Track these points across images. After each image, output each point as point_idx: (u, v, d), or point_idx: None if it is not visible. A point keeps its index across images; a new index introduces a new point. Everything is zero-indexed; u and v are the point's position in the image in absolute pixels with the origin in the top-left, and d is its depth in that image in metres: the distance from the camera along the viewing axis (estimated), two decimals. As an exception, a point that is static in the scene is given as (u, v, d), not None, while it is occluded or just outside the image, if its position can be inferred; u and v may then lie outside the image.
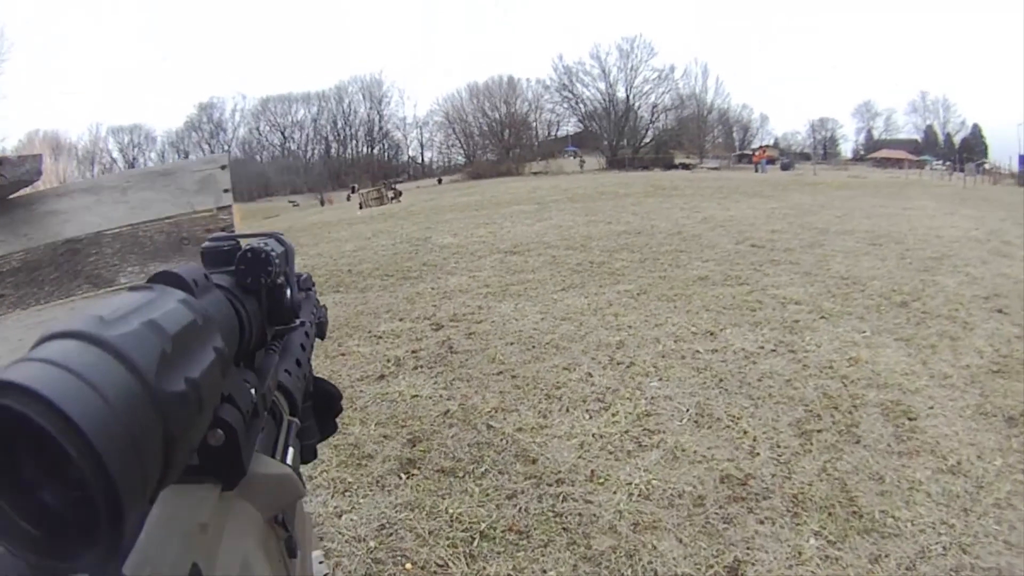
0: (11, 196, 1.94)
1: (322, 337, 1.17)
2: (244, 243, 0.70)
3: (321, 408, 1.04)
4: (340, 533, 3.63)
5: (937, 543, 3.33)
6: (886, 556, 3.24)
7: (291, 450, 0.72)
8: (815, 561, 3.22)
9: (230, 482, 0.55)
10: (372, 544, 3.52)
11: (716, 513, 3.66)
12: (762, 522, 3.56)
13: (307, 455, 0.92)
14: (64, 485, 0.33)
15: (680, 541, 3.43)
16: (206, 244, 0.70)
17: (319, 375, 1.06)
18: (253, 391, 0.62)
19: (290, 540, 0.65)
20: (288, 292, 0.75)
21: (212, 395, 0.45)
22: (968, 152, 77.14)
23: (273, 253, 0.69)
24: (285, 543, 0.64)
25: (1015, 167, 57.30)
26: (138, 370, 0.36)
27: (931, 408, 4.82)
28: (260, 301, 0.70)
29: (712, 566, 3.23)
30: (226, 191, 2.16)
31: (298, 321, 0.85)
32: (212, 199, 2.13)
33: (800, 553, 3.28)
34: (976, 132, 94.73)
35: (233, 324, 0.60)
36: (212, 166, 2.17)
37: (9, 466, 0.33)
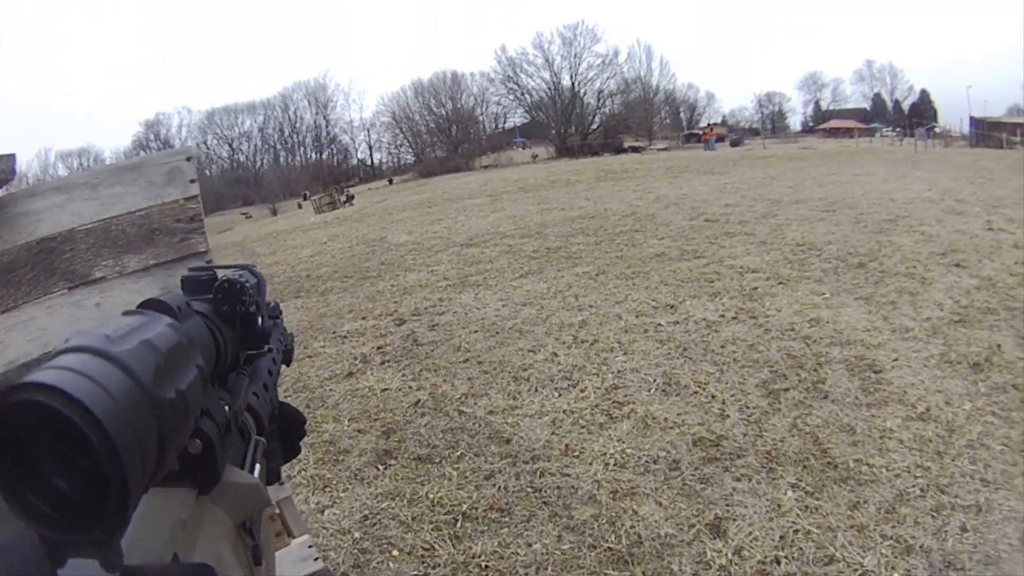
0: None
1: (288, 364, 1.20)
2: (220, 274, 0.77)
3: (285, 431, 1.08)
4: (324, 528, 3.63)
5: (914, 486, 3.40)
6: (865, 502, 3.30)
7: (257, 466, 0.76)
8: (795, 512, 3.27)
9: (206, 487, 0.60)
10: (357, 535, 3.53)
11: (692, 475, 3.70)
12: (739, 479, 3.61)
13: (271, 477, 0.94)
14: (78, 471, 0.39)
15: (660, 504, 3.46)
16: (186, 274, 0.76)
17: (284, 400, 1.09)
18: (227, 408, 0.67)
19: (256, 548, 0.70)
20: (259, 320, 0.81)
21: (195, 405, 0.51)
22: (918, 117, 77.48)
23: (247, 284, 0.75)
24: (252, 551, 0.69)
25: (966, 129, 58.05)
26: (139, 379, 0.43)
27: (895, 360, 4.90)
28: (234, 327, 0.76)
29: (694, 525, 3.27)
30: (192, 181, 2.21)
31: (267, 347, 0.91)
32: (179, 190, 2.18)
33: (779, 506, 3.33)
34: (925, 97, 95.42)
35: (211, 346, 0.66)
36: (178, 158, 2.22)
37: (31, 456, 0.40)
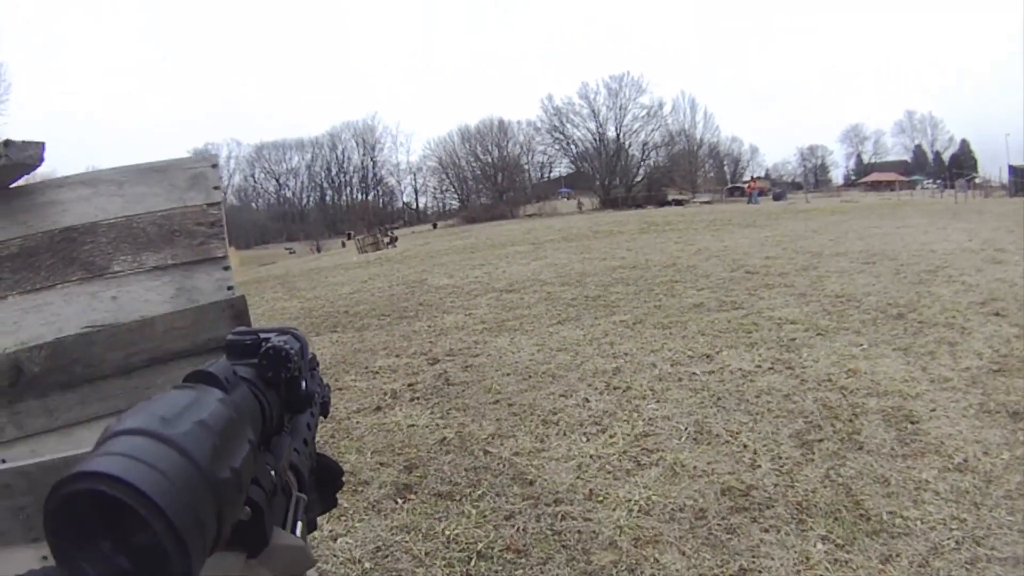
0: (12, 184, 2.05)
1: (325, 415, 1.18)
2: (264, 337, 0.77)
3: (322, 482, 1.08)
4: (335, 555, 3.60)
5: (949, 538, 3.27)
6: (897, 555, 3.18)
7: (299, 524, 0.77)
8: (824, 565, 3.15)
9: (255, 551, 0.62)
10: (367, 566, 3.49)
11: (719, 524, 3.59)
12: (767, 530, 3.50)
13: (308, 527, 0.92)
14: (141, 551, 0.42)
15: (683, 553, 3.36)
16: (230, 337, 0.77)
17: (321, 451, 1.09)
18: (272, 472, 0.69)
19: None
20: (303, 384, 0.80)
21: (248, 479, 0.54)
22: (958, 168, 76.54)
23: (292, 350, 0.76)
24: None
25: (1005, 178, 57.45)
26: (196, 463, 0.45)
27: (933, 411, 4.77)
28: (279, 392, 0.76)
29: (717, 576, 3.16)
30: (215, 188, 2.28)
31: None
32: (202, 195, 2.25)
33: (808, 558, 3.21)
34: (965, 147, 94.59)
35: (257, 414, 0.67)
36: (203, 164, 2.29)
37: (94, 539, 0.42)
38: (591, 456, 4.56)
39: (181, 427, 0.46)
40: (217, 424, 0.50)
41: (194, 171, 2.25)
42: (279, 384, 0.75)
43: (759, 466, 4.21)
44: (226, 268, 2.28)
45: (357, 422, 5.63)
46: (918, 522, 3.44)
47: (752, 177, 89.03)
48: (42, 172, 2.09)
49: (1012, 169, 55.63)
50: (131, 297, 2.11)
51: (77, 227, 2.09)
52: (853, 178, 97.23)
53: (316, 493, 1.03)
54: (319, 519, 3.36)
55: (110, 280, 2.11)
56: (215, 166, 2.32)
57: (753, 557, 3.28)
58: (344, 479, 1.13)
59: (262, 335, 0.78)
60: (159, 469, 0.42)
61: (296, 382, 0.78)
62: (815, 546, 3.31)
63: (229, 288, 2.26)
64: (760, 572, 3.16)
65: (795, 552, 3.28)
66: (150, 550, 0.41)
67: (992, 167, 71.75)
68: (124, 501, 0.40)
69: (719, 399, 5.43)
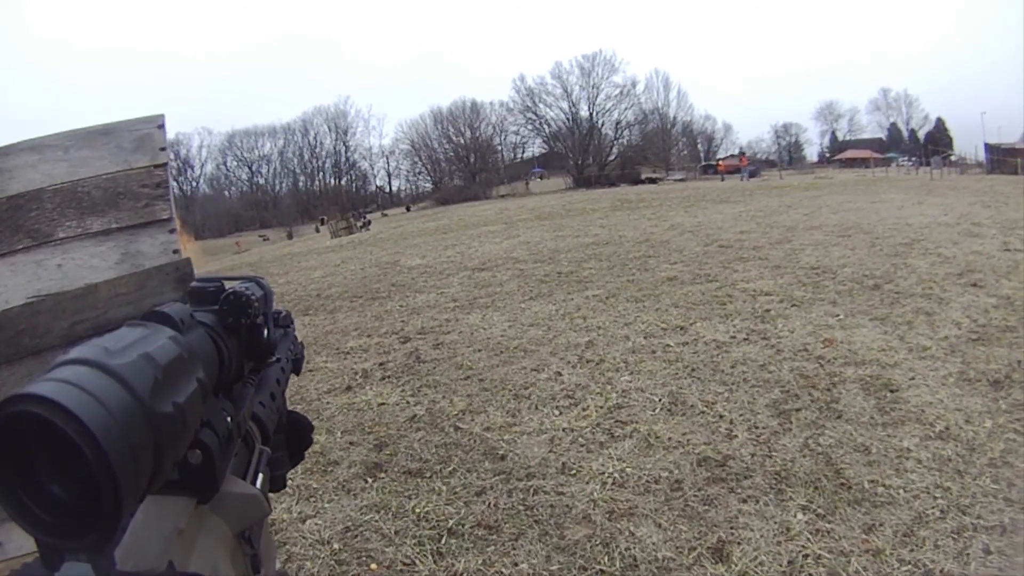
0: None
1: (298, 373, 1.19)
2: (227, 285, 0.76)
3: (292, 439, 1.07)
4: (304, 537, 3.52)
5: (934, 507, 3.22)
6: (880, 525, 3.11)
7: (260, 476, 0.76)
8: (805, 536, 3.08)
9: (205, 497, 0.61)
10: (336, 546, 3.42)
11: (695, 496, 3.52)
12: (745, 501, 3.42)
13: (276, 484, 0.95)
14: (74, 480, 0.42)
15: (659, 526, 3.28)
16: (193, 284, 0.77)
17: (292, 408, 1.08)
18: (229, 419, 0.67)
19: (255, 557, 0.69)
20: (265, 332, 0.80)
21: (194, 418, 0.52)
22: (934, 145, 76.35)
23: (253, 296, 0.76)
24: (251, 560, 0.68)
25: (982, 156, 57.79)
26: (136, 393, 0.44)
27: (912, 379, 4.73)
28: (239, 339, 0.76)
29: (695, 548, 3.08)
30: (162, 149, 2.26)
31: (274, 358, 0.93)
32: (148, 157, 2.24)
33: (788, 529, 3.14)
34: (940, 125, 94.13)
35: (213, 358, 0.66)
36: (149, 125, 2.28)
37: (28, 463, 0.42)
38: (564, 429, 4.49)
39: (124, 359, 0.45)
40: (163, 359, 0.48)
41: (140, 132, 2.24)
42: (240, 331, 0.75)
43: (735, 436, 4.15)
44: (172, 231, 2.23)
45: (327, 402, 5.56)
46: (901, 491, 3.38)
47: (742, 153, 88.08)
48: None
49: (988, 147, 55.96)
50: (76, 264, 2.09)
51: (23, 194, 2.07)
52: (828, 155, 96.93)
53: (285, 450, 1.04)
54: (294, 506, 3.30)
55: (55, 247, 2.09)
56: (161, 127, 2.29)
57: (731, 528, 3.21)
58: (313, 440, 1.13)
59: (225, 282, 0.77)
60: (95, 395, 0.41)
61: (258, 329, 0.78)
62: (795, 516, 3.25)
63: (175, 252, 2.21)
64: (739, 543, 3.09)
65: (775, 523, 3.21)
66: (82, 476, 0.40)
67: (968, 145, 71.71)
68: (56, 424, 0.39)
69: (693, 370, 5.38)
